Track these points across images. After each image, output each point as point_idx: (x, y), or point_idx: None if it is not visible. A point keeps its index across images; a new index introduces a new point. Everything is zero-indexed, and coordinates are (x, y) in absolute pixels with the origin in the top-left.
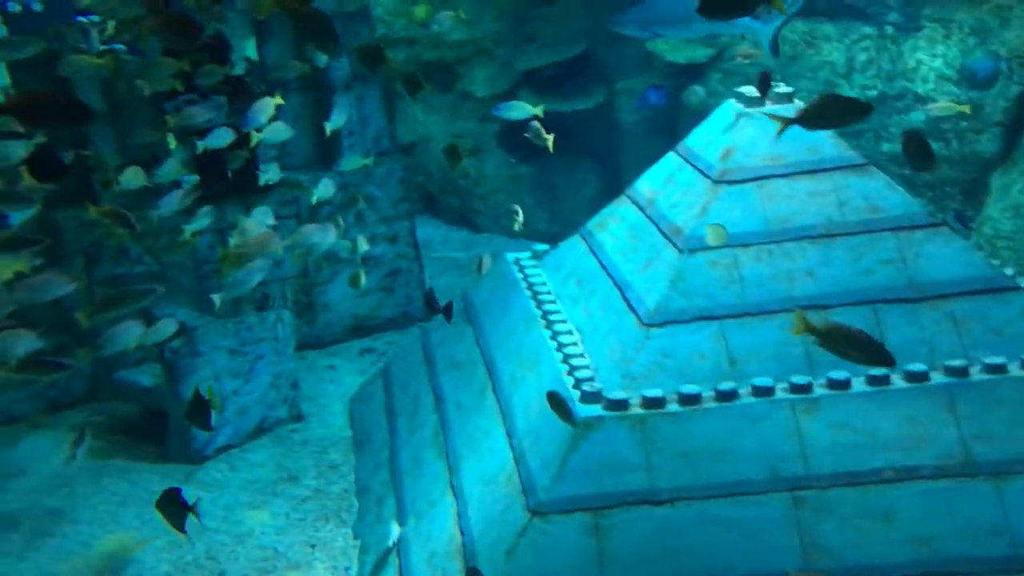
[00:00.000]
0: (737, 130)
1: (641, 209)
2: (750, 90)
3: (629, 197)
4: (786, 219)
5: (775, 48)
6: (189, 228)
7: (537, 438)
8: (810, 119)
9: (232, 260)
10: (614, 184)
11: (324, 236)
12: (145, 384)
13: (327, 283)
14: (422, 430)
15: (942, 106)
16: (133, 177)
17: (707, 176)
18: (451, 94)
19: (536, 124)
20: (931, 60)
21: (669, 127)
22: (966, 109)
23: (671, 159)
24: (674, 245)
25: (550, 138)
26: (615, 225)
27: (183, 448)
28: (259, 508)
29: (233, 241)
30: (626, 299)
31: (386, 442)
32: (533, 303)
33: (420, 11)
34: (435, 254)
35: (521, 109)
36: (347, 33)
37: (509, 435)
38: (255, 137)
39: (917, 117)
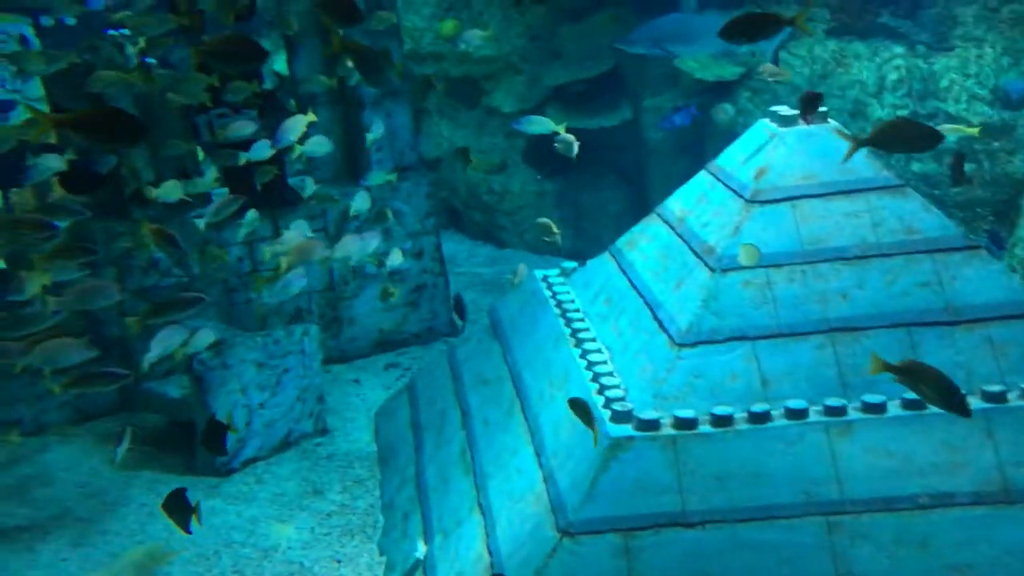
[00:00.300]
0: (770, 149)
1: (672, 228)
2: (784, 109)
3: (660, 216)
4: (820, 240)
5: (775, 61)
6: (242, 231)
7: (567, 457)
8: (880, 142)
9: (280, 265)
10: (640, 201)
11: (368, 245)
12: (173, 396)
13: (353, 297)
14: (449, 447)
15: (950, 128)
16: (171, 190)
17: (740, 195)
18: (478, 110)
19: (570, 136)
20: (963, 80)
21: (696, 145)
22: (975, 132)
23: (703, 178)
24: (706, 264)
25: (575, 144)
26: (645, 244)
27: (210, 460)
28: (285, 522)
29: (274, 249)
30: (657, 318)
31: (412, 458)
32: (562, 321)
33: (447, 27)
34: (459, 269)
35: (541, 124)
36: (378, 48)
37: (538, 454)
38: (297, 149)
39: (949, 137)
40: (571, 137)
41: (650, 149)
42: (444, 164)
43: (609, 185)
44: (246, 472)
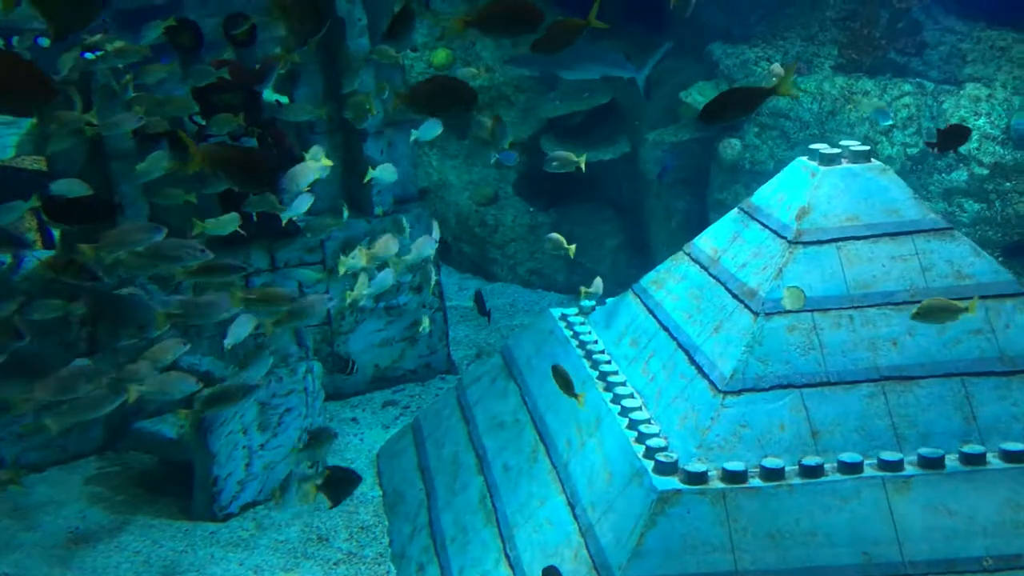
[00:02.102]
0: (812, 189)
1: (704, 268)
2: (824, 147)
3: (688, 255)
4: (867, 284)
5: (647, 92)
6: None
7: (606, 510)
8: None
9: (368, 261)
10: (637, 235)
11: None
12: (168, 435)
13: (350, 332)
14: (466, 493)
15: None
16: (228, 223)
17: (781, 236)
18: (468, 140)
19: (562, 153)
20: (974, 119)
21: (698, 179)
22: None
23: (735, 217)
24: (748, 308)
25: (582, 159)
26: (674, 283)
27: (207, 504)
28: (290, 571)
29: (347, 263)
30: (695, 363)
31: (423, 504)
32: (587, 363)
33: (439, 56)
34: (449, 303)
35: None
36: (381, 79)
37: (571, 504)
38: (368, 173)
39: (959, 176)
40: (563, 153)
41: (648, 182)
42: (434, 195)
43: (606, 219)
44: (244, 517)
